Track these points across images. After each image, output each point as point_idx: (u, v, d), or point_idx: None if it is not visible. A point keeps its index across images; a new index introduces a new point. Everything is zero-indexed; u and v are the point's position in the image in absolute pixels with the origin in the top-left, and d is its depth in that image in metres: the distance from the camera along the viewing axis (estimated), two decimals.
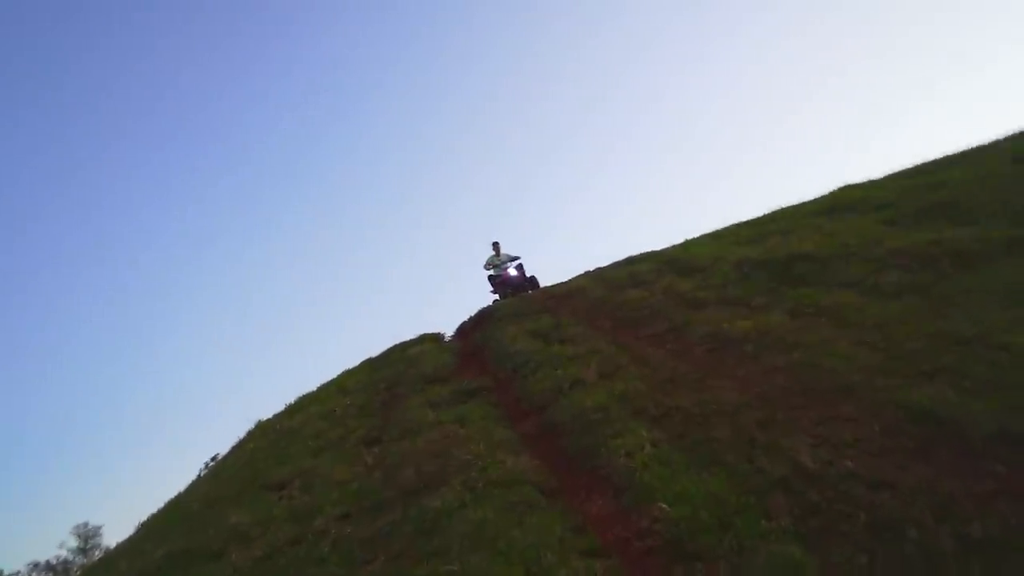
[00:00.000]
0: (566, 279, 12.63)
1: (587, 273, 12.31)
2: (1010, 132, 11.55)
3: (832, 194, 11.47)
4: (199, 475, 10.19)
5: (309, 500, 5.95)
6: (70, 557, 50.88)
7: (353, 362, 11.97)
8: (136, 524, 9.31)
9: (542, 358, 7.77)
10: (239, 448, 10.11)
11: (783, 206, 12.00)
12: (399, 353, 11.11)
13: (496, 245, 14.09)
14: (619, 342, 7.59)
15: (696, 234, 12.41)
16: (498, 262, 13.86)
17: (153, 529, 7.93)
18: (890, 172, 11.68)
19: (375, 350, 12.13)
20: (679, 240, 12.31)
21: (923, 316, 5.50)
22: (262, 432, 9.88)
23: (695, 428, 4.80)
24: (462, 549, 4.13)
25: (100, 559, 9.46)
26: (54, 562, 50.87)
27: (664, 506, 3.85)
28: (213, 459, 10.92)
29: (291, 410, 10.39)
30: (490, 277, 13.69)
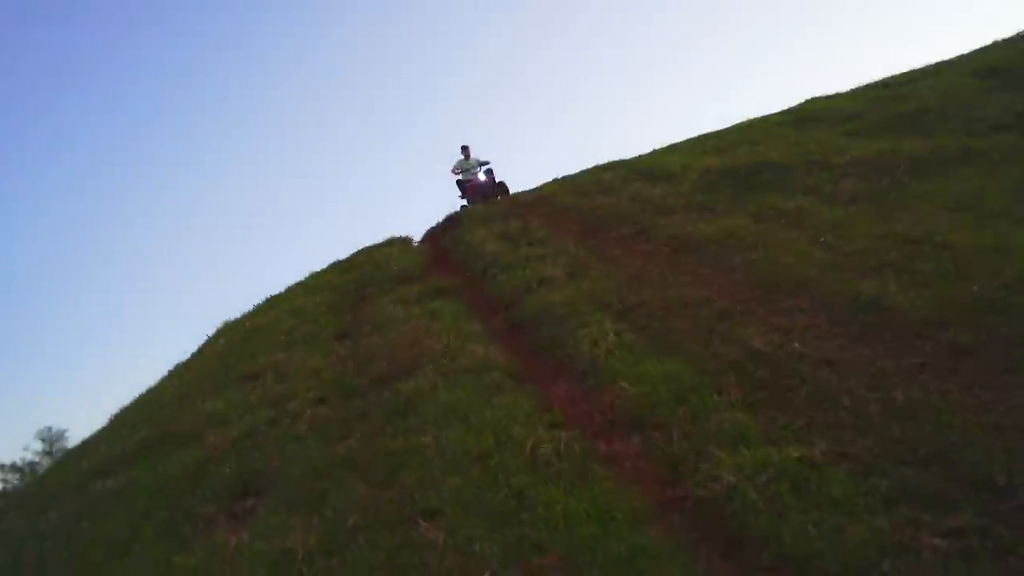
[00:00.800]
0: (535, 185, 12.66)
1: (555, 180, 12.34)
2: (973, 48, 11.78)
3: (800, 106, 11.60)
4: (168, 373, 10.28)
5: (284, 387, 6.15)
6: (36, 459, 51.30)
7: (320, 265, 11.99)
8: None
9: (511, 259, 7.93)
10: (208, 344, 10.19)
11: (750, 118, 12.13)
12: (367, 255, 11.15)
13: (465, 149, 13.70)
14: (587, 245, 7.78)
15: (664, 144, 12.50)
16: (467, 166, 13.60)
17: (125, 421, 8.10)
18: (857, 85, 11.85)
19: (343, 254, 12.14)
20: (648, 150, 12.39)
21: (874, 219, 5.78)
22: (231, 329, 9.98)
23: (657, 320, 5.08)
24: (436, 425, 4.39)
25: (74, 447, 9.57)
26: (20, 464, 51.26)
27: (625, 385, 4.13)
28: (180, 360, 10.99)
29: (259, 309, 10.46)
30: (459, 182, 13.45)
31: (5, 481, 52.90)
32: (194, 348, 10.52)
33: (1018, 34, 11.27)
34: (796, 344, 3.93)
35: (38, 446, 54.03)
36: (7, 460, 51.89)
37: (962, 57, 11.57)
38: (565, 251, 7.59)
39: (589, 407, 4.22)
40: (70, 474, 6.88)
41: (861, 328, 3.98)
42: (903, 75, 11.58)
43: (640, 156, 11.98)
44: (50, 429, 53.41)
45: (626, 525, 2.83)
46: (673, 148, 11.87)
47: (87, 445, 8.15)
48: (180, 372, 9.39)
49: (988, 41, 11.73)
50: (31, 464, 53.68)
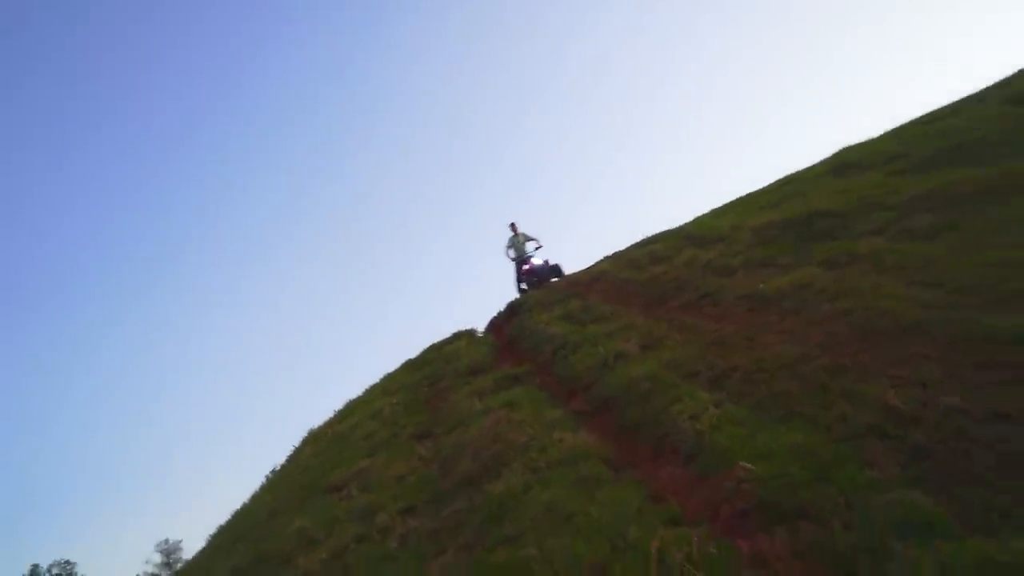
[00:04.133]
0: (586, 265, 12.06)
1: (607, 257, 11.74)
2: (992, 81, 10.95)
3: (835, 155, 10.86)
4: (261, 487, 9.74)
5: (369, 498, 5.47)
6: (157, 572, 51.07)
7: (392, 366, 11.51)
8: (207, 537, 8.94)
9: (579, 338, 7.24)
10: (295, 456, 9.68)
11: (788, 173, 11.43)
12: (436, 351, 10.60)
13: (514, 226, 13.13)
14: (654, 315, 7.05)
15: (707, 209, 11.86)
16: (519, 242, 12.99)
17: (221, 542, 7.49)
18: (887, 129, 11.09)
19: (412, 352, 11.64)
20: (689, 218, 11.75)
21: (967, 249, 4.94)
22: (315, 439, 9.45)
23: (757, 385, 4.26)
24: (536, 532, 3.62)
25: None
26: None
27: (747, 465, 3.32)
28: (273, 471, 10.49)
29: (341, 415, 9.95)
30: (517, 263, 12.81)
31: None
32: (283, 458, 10.05)
33: None
34: (945, 398, 3.08)
35: (157, 559, 53.93)
36: (132, 573, 51.98)
37: (987, 89, 10.76)
38: (633, 324, 6.87)
39: (709, 495, 3.39)
40: None
41: (1015, 371, 3.12)
42: (931, 113, 10.79)
43: (685, 224, 11.32)
44: (167, 541, 53.43)
45: None
46: (717, 212, 11.20)
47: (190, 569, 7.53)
48: (270, 485, 8.83)
49: (1010, 71, 10.93)
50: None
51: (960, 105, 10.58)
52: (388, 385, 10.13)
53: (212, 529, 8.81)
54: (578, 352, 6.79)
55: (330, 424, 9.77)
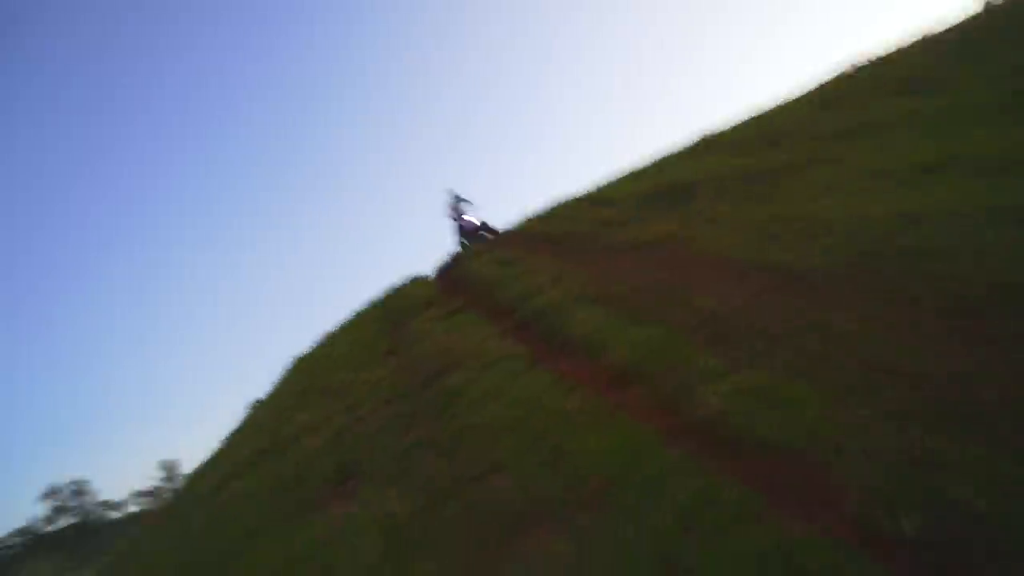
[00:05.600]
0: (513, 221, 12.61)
1: (528, 217, 12.35)
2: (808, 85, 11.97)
3: (697, 139, 11.82)
4: (262, 397, 10.00)
5: (356, 396, 6.04)
6: (160, 484, 49.88)
7: (359, 304, 11.82)
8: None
9: (504, 277, 7.91)
10: (290, 372, 9.99)
11: (662, 153, 12.28)
12: (397, 291, 11.05)
13: (451, 193, 13.51)
14: (561, 259, 7.78)
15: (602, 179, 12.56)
16: (456, 205, 13.29)
17: (237, 438, 7.88)
18: (737, 118, 12.09)
19: (373, 293, 11.97)
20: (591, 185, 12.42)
21: (765, 207, 5.87)
22: (304, 359, 9.81)
23: (627, 301, 5.06)
24: (481, 405, 4.33)
25: (203, 460, 9.23)
26: (147, 489, 50.07)
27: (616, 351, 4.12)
28: (257, 402, 10.57)
29: (323, 342, 10.31)
30: (456, 222, 13.21)
31: (139, 503, 51.40)
32: (275, 378, 10.32)
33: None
34: (741, 305, 3.95)
35: (159, 474, 52.56)
36: (138, 487, 50.77)
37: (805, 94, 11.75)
38: (545, 266, 7.59)
39: (592, 372, 4.19)
40: (207, 481, 6.66)
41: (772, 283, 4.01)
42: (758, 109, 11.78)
43: (588, 191, 12.04)
44: (167, 460, 52.27)
45: (650, 450, 2.80)
46: (612, 182, 11.97)
47: (213, 458, 7.90)
48: (270, 396, 9.19)
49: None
50: (155, 489, 52.24)
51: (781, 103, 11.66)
52: (360, 318, 10.54)
53: (202, 448, 9.11)
54: (506, 287, 7.46)
55: (316, 349, 10.13)
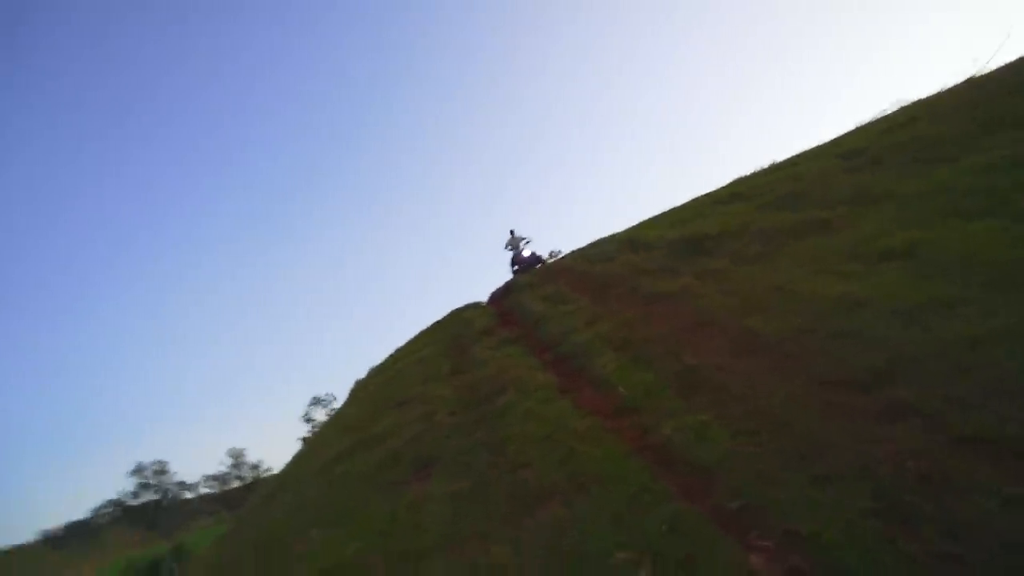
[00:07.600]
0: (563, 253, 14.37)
1: (572, 252, 14.02)
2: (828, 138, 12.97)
3: (728, 186, 13.06)
4: (341, 405, 12.13)
5: (426, 408, 7.86)
6: (227, 471, 54.79)
7: (421, 327, 13.87)
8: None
9: (551, 314, 9.58)
10: (362, 385, 12.05)
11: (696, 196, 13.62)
12: (456, 316, 12.96)
13: (511, 231, 15.55)
14: (596, 301, 9.38)
15: (638, 220, 14.04)
16: (514, 241, 15.36)
17: (328, 435, 9.93)
18: (764, 167, 13.25)
19: (436, 317, 14.02)
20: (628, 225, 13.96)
21: (766, 274, 7.25)
22: (377, 374, 11.82)
23: (640, 348, 6.63)
24: (522, 421, 6.01)
25: (302, 448, 11.28)
26: (216, 475, 55.08)
27: (622, 389, 5.71)
28: (350, 392, 12.74)
29: (392, 359, 12.31)
30: (511, 255, 15.27)
31: (210, 486, 56.54)
32: (345, 385, 12.40)
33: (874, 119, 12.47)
34: (714, 360, 5.45)
35: (228, 461, 57.60)
36: (208, 472, 55.96)
37: (823, 146, 12.72)
38: (583, 307, 9.21)
39: (604, 401, 5.79)
40: (307, 465, 8.69)
41: (744, 346, 5.47)
42: (784, 161, 12.88)
43: (627, 230, 13.57)
44: (235, 448, 57.40)
45: (625, 460, 4.39)
46: (646, 224, 13.43)
47: (307, 450, 9.99)
48: (351, 403, 11.24)
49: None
50: (224, 475, 57.14)
51: (800, 159, 12.68)
52: (424, 338, 12.51)
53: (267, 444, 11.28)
54: (549, 324, 9.14)
55: (385, 364, 12.16)
